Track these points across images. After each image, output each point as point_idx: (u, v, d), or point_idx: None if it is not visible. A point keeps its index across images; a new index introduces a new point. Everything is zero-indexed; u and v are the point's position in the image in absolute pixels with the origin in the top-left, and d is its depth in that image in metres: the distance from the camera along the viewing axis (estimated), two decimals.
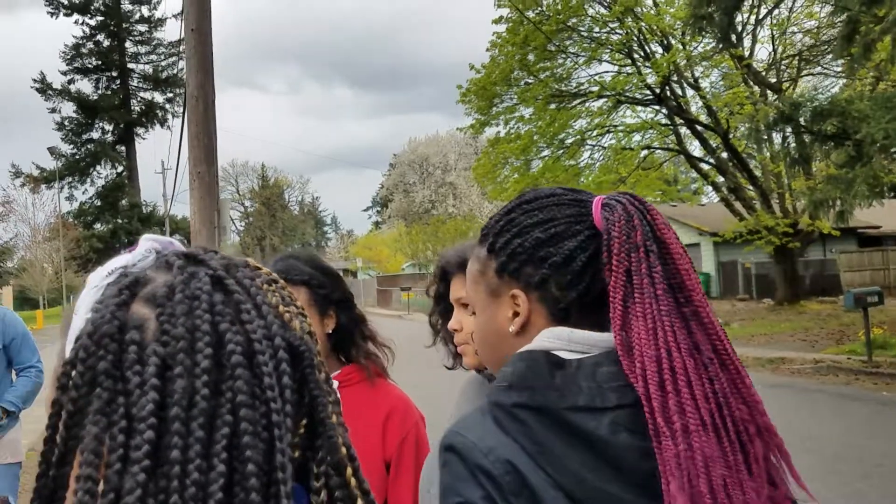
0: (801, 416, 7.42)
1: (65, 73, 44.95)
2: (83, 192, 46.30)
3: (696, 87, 20.29)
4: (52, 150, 44.31)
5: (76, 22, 44.74)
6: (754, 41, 20.33)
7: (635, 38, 19.29)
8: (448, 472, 0.89)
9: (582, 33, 19.58)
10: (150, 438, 0.50)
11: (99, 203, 45.90)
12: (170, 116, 45.69)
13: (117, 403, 0.52)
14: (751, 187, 20.39)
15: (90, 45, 45.35)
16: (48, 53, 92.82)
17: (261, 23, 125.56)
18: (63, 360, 0.57)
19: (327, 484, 0.59)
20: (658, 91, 19.17)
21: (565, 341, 0.92)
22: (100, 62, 45.46)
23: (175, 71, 45.28)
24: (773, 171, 19.89)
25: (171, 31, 49.80)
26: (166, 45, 46.04)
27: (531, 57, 19.42)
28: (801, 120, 10.53)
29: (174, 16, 43.42)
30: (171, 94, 45.82)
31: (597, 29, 19.54)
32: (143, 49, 46.49)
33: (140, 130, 47.00)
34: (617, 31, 19.23)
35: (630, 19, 18.45)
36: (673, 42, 19.03)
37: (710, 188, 21.69)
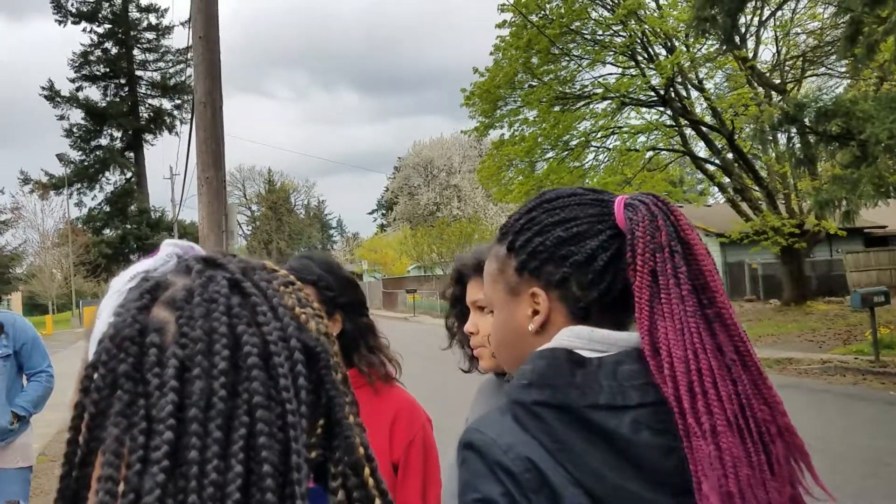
0: (809, 416, 7.40)
1: (73, 81, 45.19)
2: (92, 199, 46.53)
3: (701, 89, 20.24)
4: (60, 157, 44.52)
5: (84, 30, 45.00)
6: (758, 42, 20.27)
7: (639, 41, 19.26)
8: (467, 469, 0.89)
9: (585, 36, 19.55)
10: (168, 439, 0.51)
11: (108, 209, 46.06)
12: (178, 123, 45.88)
13: (137, 405, 0.53)
14: (756, 188, 20.30)
15: (98, 52, 45.54)
16: (56, 61, 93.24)
17: (267, 30, 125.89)
18: (85, 362, 0.58)
19: (345, 484, 0.59)
20: (662, 93, 19.13)
21: (585, 340, 0.91)
22: (108, 69, 45.64)
23: (183, 78, 45.45)
24: (779, 171, 19.81)
25: (179, 38, 50.05)
26: (174, 52, 46.24)
27: (535, 60, 19.40)
28: (806, 120, 10.50)
29: (182, 23, 43.70)
30: (178, 101, 45.98)
31: (600, 32, 19.51)
32: (151, 56, 46.70)
33: (148, 137, 47.20)
34: (620, 33, 19.20)
35: (633, 22, 18.42)
36: (676, 44, 18.99)
37: (716, 189, 21.61)
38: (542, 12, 18.82)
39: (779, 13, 19.99)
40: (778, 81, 20.26)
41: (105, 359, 0.55)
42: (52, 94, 43.86)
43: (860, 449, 6.32)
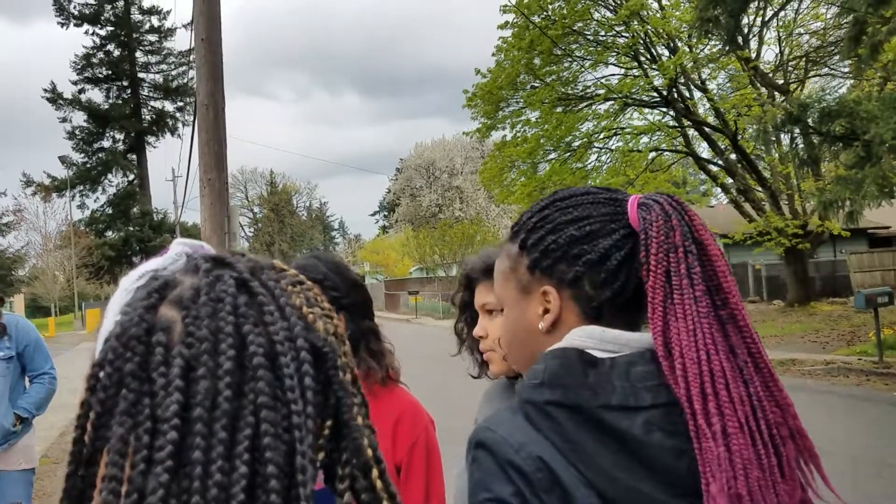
0: (812, 418, 7.36)
1: (75, 83, 45.22)
2: (94, 201, 46.55)
3: (704, 89, 20.24)
4: (63, 159, 44.58)
5: (86, 32, 45.03)
6: (761, 43, 20.27)
7: (641, 42, 19.26)
8: (478, 467, 0.89)
9: (588, 37, 19.57)
10: (173, 439, 0.51)
11: (110, 211, 46.10)
12: (180, 125, 45.89)
13: (143, 404, 0.53)
14: (760, 189, 20.30)
15: (101, 55, 45.60)
16: (59, 63, 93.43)
17: (269, 31, 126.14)
18: (93, 361, 0.58)
19: (353, 486, 0.58)
20: (665, 93, 19.13)
21: (597, 340, 0.91)
22: (110, 72, 45.71)
23: (185, 80, 45.50)
24: (782, 172, 19.80)
25: (182, 40, 50.14)
26: (176, 54, 46.27)
27: (537, 61, 19.41)
28: (810, 121, 10.48)
29: (184, 26, 43.68)
30: (181, 103, 46.02)
31: (603, 32, 19.53)
32: (153, 59, 46.73)
33: (151, 139, 47.22)
34: (623, 34, 19.21)
35: (636, 23, 18.43)
36: (679, 45, 18.99)
37: (719, 190, 21.63)
38: (545, 13, 18.83)
39: (782, 13, 19.98)
40: (781, 82, 20.25)
41: (111, 357, 0.55)
42: (54, 97, 43.93)
43: (864, 450, 6.30)
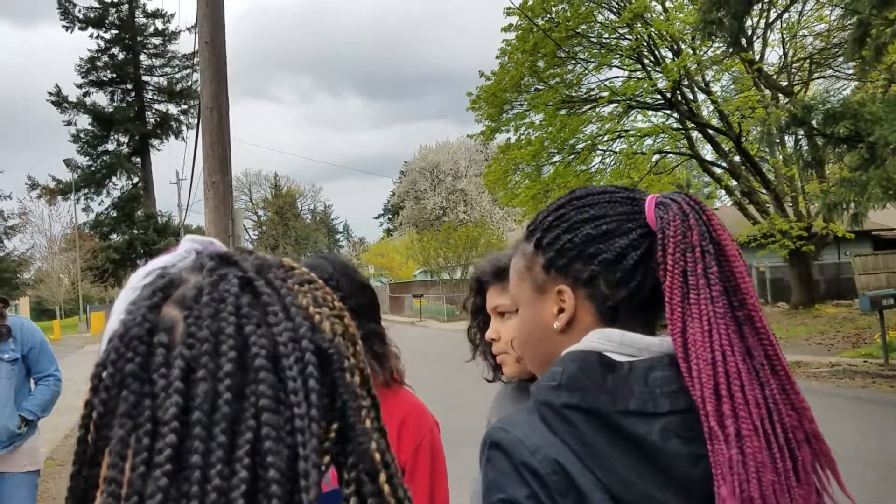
0: (818, 420, 7.36)
1: (80, 86, 45.35)
2: (99, 204, 46.64)
3: (707, 92, 20.22)
4: (67, 162, 44.66)
5: (91, 35, 45.14)
6: (765, 45, 20.24)
7: (645, 44, 19.26)
8: (492, 468, 0.88)
9: (591, 39, 19.58)
10: (172, 442, 0.50)
11: (115, 214, 46.19)
12: (184, 128, 45.99)
13: (143, 406, 0.52)
14: (764, 191, 20.26)
15: (105, 58, 45.73)
16: (64, 67, 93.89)
17: (273, 35, 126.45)
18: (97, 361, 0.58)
19: (359, 491, 0.57)
20: (669, 95, 19.12)
21: (616, 343, 0.90)
22: (115, 75, 45.83)
23: (189, 83, 45.58)
24: (786, 174, 19.76)
25: (186, 43, 50.20)
26: (181, 57, 46.37)
27: (541, 63, 19.42)
28: (814, 123, 10.46)
29: (188, 29, 43.81)
30: (185, 106, 46.12)
31: (606, 35, 19.53)
32: (157, 62, 46.84)
33: (155, 142, 47.31)
34: (626, 36, 19.21)
35: (639, 25, 18.43)
36: (683, 47, 18.98)
37: (723, 192, 21.57)
38: (548, 16, 18.85)
39: (785, 15, 19.95)
40: (785, 84, 20.21)
41: (114, 357, 0.55)
42: (59, 100, 44.06)
43: (871, 452, 6.28)
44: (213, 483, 0.50)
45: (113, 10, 44.99)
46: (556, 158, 20.90)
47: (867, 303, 10.49)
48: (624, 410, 0.85)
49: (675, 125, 20.31)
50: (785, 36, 20.42)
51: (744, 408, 0.83)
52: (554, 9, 18.80)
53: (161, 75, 46.94)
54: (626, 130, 20.59)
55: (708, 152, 21.50)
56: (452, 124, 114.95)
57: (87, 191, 45.81)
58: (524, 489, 0.84)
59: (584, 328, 0.94)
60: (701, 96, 20.51)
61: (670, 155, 21.33)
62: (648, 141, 20.54)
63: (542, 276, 0.98)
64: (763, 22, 19.57)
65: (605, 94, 19.57)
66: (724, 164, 20.69)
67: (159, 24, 46.23)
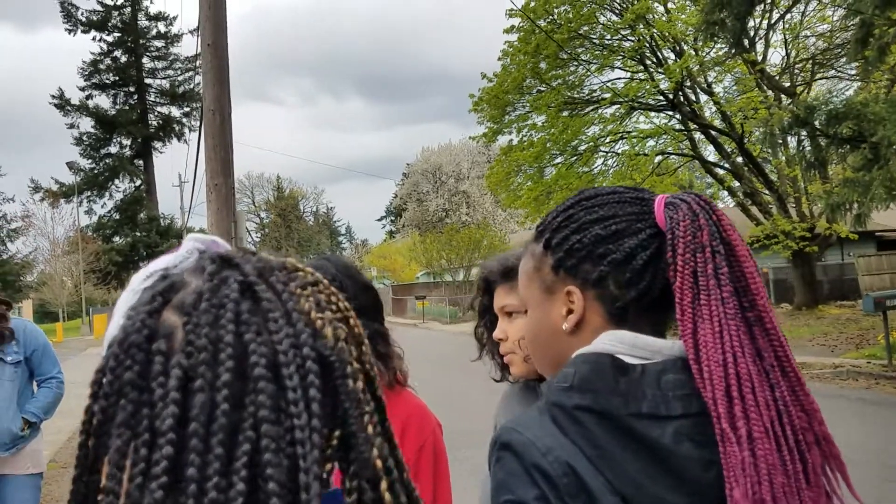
0: None
1: (83, 89, 45.49)
2: (102, 206, 46.79)
3: (710, 93, 20.20)
4: (70, 165, 44.78)
5: (94, 38, 45.30)
6: (767, 46, 20.22)
7: (647, 45, 19.25)
8: (501, 468, 0.88)
9: (594, 41, 19.57)
10: (168, 454, 0.50)
11: (117, 216, 46.31)
12: (186, 130, 46.14)
13: (142, 415, 0.52)
14: (767, 192, 20.23)
15: (108, 61, 45.86)
16: (66, 70, 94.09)
17: (275, 37, 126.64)
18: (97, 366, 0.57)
19: (360, 499, 0.56)
20: (671, 97, 19.11)
21: (628, 346, 0.89)
22: (117, 78, 45.95)
23: (192, 85, 45.71)
24: (789, 175, 19.72)
25: (188, 46, 50.35)
26: (183, 60, 46.51)
27: (543, 65, 19.42)
28: (817, 123, 10.45)
29: (190, 31, 43.97)
30: (187, 109, 46.24)
31: (608, 36, 19.53)
32: (160, 64, 46.97)
33: (157, 144, 47.46)
34: (629, 38, 19.20)
35: (642, 26, 18.42)
36: (685, 48, 18.98)
37: (726, 193, 21.53)
38: (551, 17, 18.85)
39: (788, 16, 19.93)
40: (787, 84, 20.19)
41: (112, 364, 0.54)
42: (62, 103, 44.18)
43: (874, 454, 6.26)
44: (210, 496, 0.49)
45: (115, 13, 45.11)
46: (559, 160, 20.90)
47: (871, 304, 10.47)
48: (636, 413, 0.84)
49: (678, 126, 20.29)
50: (787, 37, 20.40)
51: (755, 410, 0.82)
52: (556, 10, 18.80)
53: (163, 78, 47.08)
54: (629, 132, 20.57)
55: (710, 153, 21.49)
56: (455, 126, 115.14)
57: (89, 193, 45.92)
58: (533, 490, 0.83)
59: (594, 329, 0.93)
60: (703, 97, 20.51)
61: (673, 156, 21.32)
62: (651, 142, 20.54)
63: (551, 276, 0.98)
64: (765, 23, 19.56)
65: (608, 95, 19.57)
66: (726, 165, 20.66)
67: (162, 27, 46.38)
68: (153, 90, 46.99)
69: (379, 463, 0.57)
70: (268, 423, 0.51)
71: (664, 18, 18.64)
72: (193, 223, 46.12)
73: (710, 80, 20.28)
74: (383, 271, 54.21)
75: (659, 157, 20.78)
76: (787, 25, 20.22)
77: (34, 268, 45.10)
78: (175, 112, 47.09)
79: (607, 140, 20.55)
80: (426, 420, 1.74)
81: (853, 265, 22.93)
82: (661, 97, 19.41)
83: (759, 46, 19.89)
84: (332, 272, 1.68)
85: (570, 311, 0.95)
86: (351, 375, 0.56)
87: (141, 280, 0.61)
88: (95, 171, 45.83)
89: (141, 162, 47.29)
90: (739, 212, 21.22)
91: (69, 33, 45.11)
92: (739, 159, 20.04)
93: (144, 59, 46.48)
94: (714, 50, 18.46)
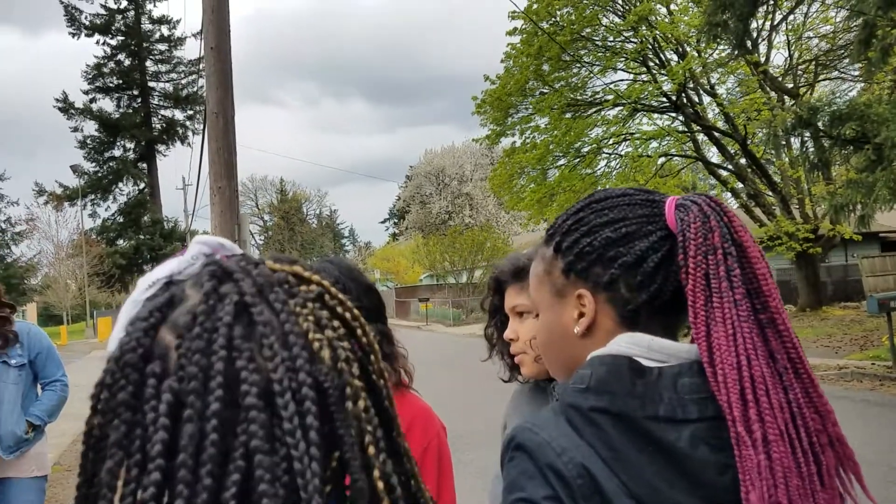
0: None
1: (87, 93, 45.64)
2: (106, 209, 46.92)
3: (713, 94, 20.19)
4: (74, 168, 44.94)
5: (98, 42, 45.46)
6: (770, 47, 20.23)
7: (650, 47, 19.25)
8: (514, 467, 0.87)
9: (596, 43, 19.58)
10: (156, 480, 0.49)
11: (121, 220, 46.42)
12: (190, 133, 46.23)
13: (134, 436, 0.51)
14: (770, 193, 20.21)
15: (111, 64, 46.00)
16: (70, 73, 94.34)
17: (278, 40, 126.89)
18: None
19: None
20: (674, 98, 19.10)
21: (644, 348, 0.89)
22: (121, 81, 46.08)
23: (195, 89, 45.82)
24: (793, 176, 19.71)
25: (191, 49, 50.52)
26: (186, 63, 46.63)
27: (546, 67, 19.43)
28: (820, 124, 10.43)
29: (194, 35, 44.09)
30: (191, 112, 46.35)
31: (611, 38, 19.53)
32: (163, 68, 47.10)
33: (161, 148, 47.57)
34: (631, 39, 19.20)
35: (644, 28, 18.42)
36: (688, 49, 18.96)
37: (729, 195, 21.52)
38: (553, 19, 18.85)
39: (791, 17, 19.94)
40: (790, 86, 20.17)
41: (109, 382, 0.54)
42: (66, 106, 44.31)
43: (879, 455, 6.24)
44: None
45: (119, 17, 45.25)
46: (562, 162, 20.90)
47: (875, 305, 10.43)
48: (653, 416, 0.84)
49: (681, 128, 20.28)
50: (790, 38, 20.39)
51: (770, 413, 0.82)
52: (559, 12, 18.81)
53: (167, 81, 47.21)
54: (632, 133, 20.57)
55: (714, 155, 21.49)
56: (458, 128, 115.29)
57: (93, 197, 46.04)
58: (544, 490, 0.83)
59: (605, 332, 0.93)
60: (706, 99, 20.50)
61: (676, 158, 21.30)
62: (654, 144, 20.53)
63: (561, 280, 0.97)
64: (768, 24, 19.56)
65: (611, 97, 19.57)
66: (729, 167, 20.64)
67: (165, 31, 46.50)
68: (157, 93, 47.12)
69: (381, 484, 0.55)
70: (261, 454, 0.50)
71: (667, 20, 18.64)
72: (197, 226, 46.16)
73: (713, 81, 20.28)
74: (386, 274, 54.21)
75: (662, 159, 20.76)
76: (789, 27, 20.22)
77: (38, 271, 45.24)
78: (178, 115, 47.25)
79: (610, 142, 20.55)
80: (430, 422, 1.74)
81: (857, 266, 22.85)
82: (664, 99, 19.40)
83: (762, 48, 19.90)
84: (335, 274, 1.69)
85: (581, 315, 0.95)
86: (351, 397, 0.55)
87: (143, 289, 0.60)
88: (99, 175, 45.95)
89: (144, 165, 47.41)
90: (743, 213, 21.18)
91: (73, 37, 45.31)
92: (743, 161, 20.03)
93: (148, 63, 46.62)
94: (717, 51, 18.44)
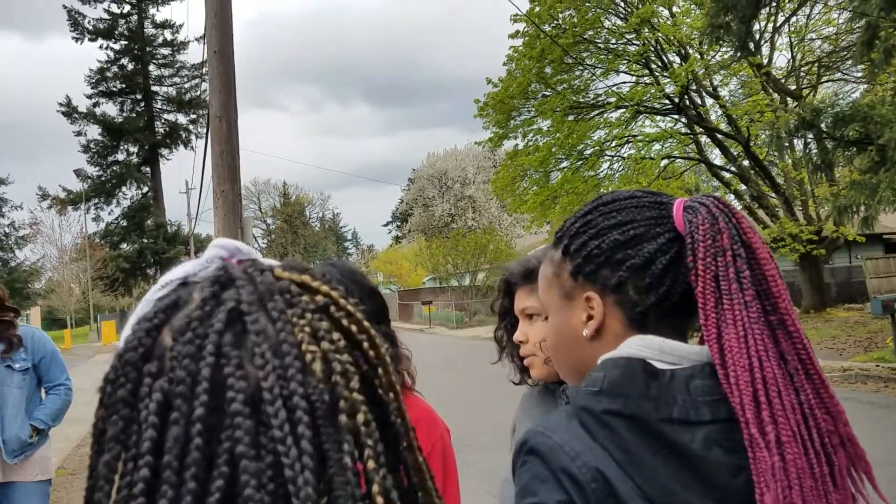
0: None
1: (90, 97, 45.70)
2: (109, 213, 46.94)
3: (716, 96, 20.18)
4: (78, 173, 44.98)
5: (101, 46, 45.51)
6: (772, 49, 20.20)
7: (652, 49, 19.25)
8: (527, 471, 0.87)
9: (599, 45, 19.58)
10: (145, 476, 0.49)
11: (125, 223, 46.47)
12: (193, 137, 46.27)
13: (131, 431, 0.52)
14: (773, 195, 20.18)
15: (115, 68, 46.08)
16: (74, 78, 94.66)
17: (281, 44, 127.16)
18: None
19: None
20: (677, 100, 19.09)
21: (656, 351, 0.89)
22: (124, 85, 46.17)
23: (198, 93, 45.88)
24: (796, 178, 19.69)
25: (194, 53, 50.58)
26: (189, 67, 46.69)
27: (548, 70, 19.44)
28: (823, 126, 10.43)
29: (197, 39, 44.07)
30: (194, 116, 46.40)
31: (613, 40, 19.54)
32: (166, 72, 47.16)
33: (164, 151, 47.60)
34: (634, 42, 19.21)
35: (647, 30, 18.42)
36: (690, 52, 18.96)
37: (733, 196, 21.49)
38: (555, 22, 18.87)
39: (793, 19, 19.91)
40: (793, 87, 20.15)
41: (112, 377, 0.55)
42: (69, 111, 44.40)
43: (884, 456, 6.22)
44: None
45: (122, 21, 45.35)
46: (564, 164, 20.90)
47: (879, 306, 10.41)
48: (667, 418, 0.84)
49: (684, 130, 20.28)
50: (793, 39, 20.37)
51: (782, 414, 0.82)
52: (561, 15, 18.83)
53: (170, 85, 47.26)
54: (634, 136, 20.57)
55: (716, 157, 21.47)
56: (460, 131, 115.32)
57: (97, 201, 46.10)
58: (558, 494, 0.83)
59: (614, 335, 0.93)
60: (709, 101, 20.49)
61: (679, 160, 21.30)
62: (657, 146, 20.52)
63: (569, 282, 0.97)
64: (771, 26, 19.53)
65: (613, 99, 19.57)
66: (732, 169, 20.62)
67: (168, 35, 46.57)
68: (160, 97, 47.19)
69: (381, 500, 0.54)
70: (247, 459, 0.49)
71: (669, 22, 18.64)
72: (200, 230, 46.21)
73: (715, 83, 20.27)
74: (389, 276, 54.24)
75: (665, 161, 20.76)
76: (792, 28, 20.20)
77: (42, 275, 45.31)
78: (182, 119, 47.29)
79: (613, 144, 20.55)
80: (434, 424, 1.74)
81: (861, 268, 22.80)
82: (667, 101, 19.39)
83: (765, 49, 19.88)
84: (337, 278, 1.69)
85: (589, 317, 0.95)
86: (345, 410, 0.53)
87: (157, 289, 0.61)
88: (103, 179, 46.02)
89: (148, 169, 47.48)
90: (746, 215, 21.08)
91: (76, 41, 45.38)
92: (746, 162, 20.01)
93: (151, 67, 46.70)
94: (719, 53, 18.44)
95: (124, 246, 46.41)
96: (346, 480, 0.52)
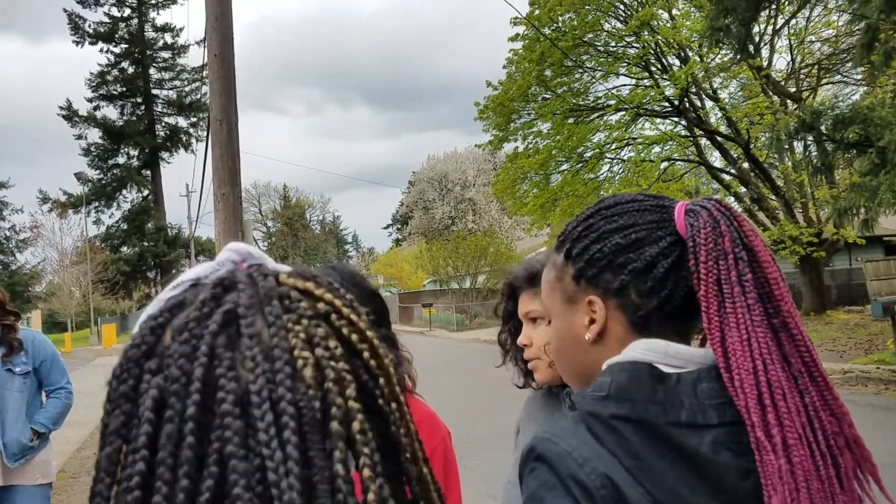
0: None
1: (91, 100, 45.80)
2: (110, 217, 47.18)
3: (715, 99, 20.20)
4: (78, 176, 45.01)
5: (101, 50, 45.61)
6: (772, 51, 20.21)
7: (652, 52, 19.27)
8: (534, 479, 0.86)
9: (598, 48, 19.60)
10: (140, 470, 0.50)
11: (125, 227, 46.53)
12: (193, 140, 46.38)
13: (132, 425, 0.53)
14: (773, 197, 20.19)
15: (115, 72, 46.17)
16: (74, 81, 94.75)
17: (281, 47, 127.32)
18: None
19: None
20: (677, 103, 19.11)
21: (661, 354, 0.89)
22: (125, 89, 46.25)
23: (198, 96, 45.97)
24: (796, 180, 19.69)
25: (195, 56, 50.80)
26: (190, 70, 46.81)
27: (548, 73, 19.46)
28: (823, 128, 10.43)
29: (197, 42, 44.12)
30: (194, 119, 46.49)
31: (613, 43, 19.56)
32: (167, 75, 47.27)
33: (165, 155, 47.71)
34: (633, 44, 19.23)
35: (646, 33, 18.44)
36: (690, 54, 18.98)
37: (733, 199, 21.49)
38: (555, 25, 18.89)
39: (793, 21, 19.93)
40: (793, 90, 20.16)
41: (117, 373, 0.56)
42: (70, 114, 44.47)
43: (885, 458, 6.21)
44: None
45: (122, 25, 45.44)
46: (564, 167, 20.91)
47: (879, 309, 10.42)
48: (675, 422, 0.84)
49: (684, 132, 20.29)
50: (793, 42, 20.38)
51: (788, 417, 0.82)
52: (560, 18, 18.85)
53: (170, 88, 47.37)
54: (634, 138, 20.58)
55: (716, 159, 21.47)
56: (460, 134, 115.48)
57: (97, 204, 46.17)
58: (566, 501, 0.82)
59: (616, 338, 0.93)
60: (709, 103, 20.51)
61: (679, 162, 21.30)
62: (656, 149, 20.53)
63: (572, 286, 0.97)
64: (770, 28, 19.55)
65: (613, 102, 19.58)
66: (732, 171, 20.63)
67: (168, 38, 46.69)
68: (160, 101, 47.28)
69: None
70: (236, 459, 0.50)
71: (669, 25, 18.66)
72: (201, 233, 46.26)
73: (715, 86, 20.29)
74: (390, 279, 54.25)
75: (665, 164, 20.76)
76: (792, 31, 20.21)
77: (43, 278, 45.34)
78: (182, 122, 47.39)
79: (613, 147, 20.56)
80: (435, 427, 1.74)
81: (861, 270, 22.78)
82: (667, 103, 19.41)
83: (765, 52, 19.89)
84: (337, 280, 1.69)
85: (592, 321, 0.95)
86: (337, 418, 0.53)
87: (170, 289, 0.62)
88: (103, 182, 46.08)
89: (148, 172, 47.54)
90: (747, 217, 21.14)
91: (77, 45, 45.52)
92: (746, 165, 20.01)
93: (151, 70, 46.79)
94: (719, 56, 18.46)
95: (125, 249, 46.46)
96: (334, 488, 0.51)
